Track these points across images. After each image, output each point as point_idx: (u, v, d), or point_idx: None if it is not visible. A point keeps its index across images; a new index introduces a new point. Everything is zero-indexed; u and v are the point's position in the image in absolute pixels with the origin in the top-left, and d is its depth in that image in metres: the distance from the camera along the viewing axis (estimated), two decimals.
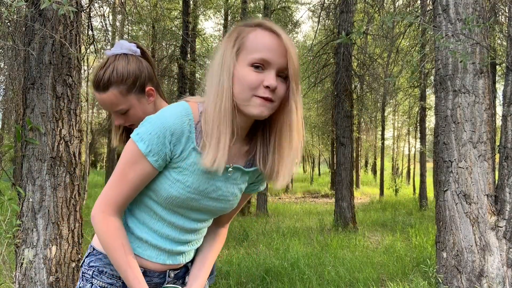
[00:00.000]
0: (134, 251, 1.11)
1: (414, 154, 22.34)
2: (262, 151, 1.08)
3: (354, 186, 11.02)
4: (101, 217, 1.03)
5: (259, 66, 0.96)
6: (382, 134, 18.06)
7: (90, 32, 3.51)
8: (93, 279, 1.12)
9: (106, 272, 1.12)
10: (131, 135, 1.02)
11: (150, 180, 1.04)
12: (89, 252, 1.17)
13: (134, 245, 1.11)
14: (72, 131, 2.91)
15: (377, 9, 9.05)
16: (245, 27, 1.01)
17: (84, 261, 1.17)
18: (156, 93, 1.53)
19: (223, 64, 0.98)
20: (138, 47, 1.48)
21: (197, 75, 15.34)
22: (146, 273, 1.12)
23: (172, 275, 1.18)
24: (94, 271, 1.13)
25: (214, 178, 1.06)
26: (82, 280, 1.15)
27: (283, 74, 0.99)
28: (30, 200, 2.79)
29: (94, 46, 3.64)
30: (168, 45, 15.00)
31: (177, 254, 1.16)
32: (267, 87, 0.96)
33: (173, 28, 13.50)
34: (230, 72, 0.97)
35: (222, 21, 15.39)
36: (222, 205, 1.12)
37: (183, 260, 1.18)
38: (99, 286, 1.12)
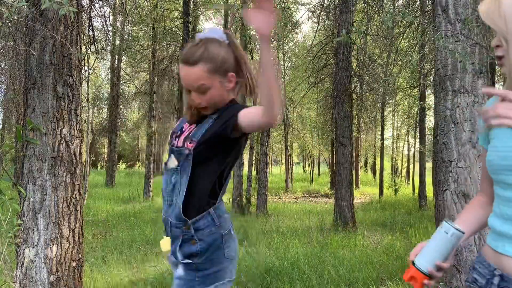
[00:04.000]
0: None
1: (414, 154, 22.36)
2: None
3: (354, 186, 11.04)
4: None
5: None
6: (382, 134, 18.07)
7: (90, 33, 3.52)
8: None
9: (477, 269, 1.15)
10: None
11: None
12: None
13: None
14: (72, 131, 2.92)
15: (376, 9, 9.06)
16: None
17: None
18: (234, 85, 1.58)
19: None
20: (228, 37, 1.57)
21: None
22: (503, 277, 1.08)
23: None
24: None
25: None
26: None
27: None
28: (31, 199, 2.80)
29: (95, 46, 3.65)
30: (168, 45, 15.00)
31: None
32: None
33: (173, 29, 13.51)
34: None
35: (222, 22, 15.39)
36: None
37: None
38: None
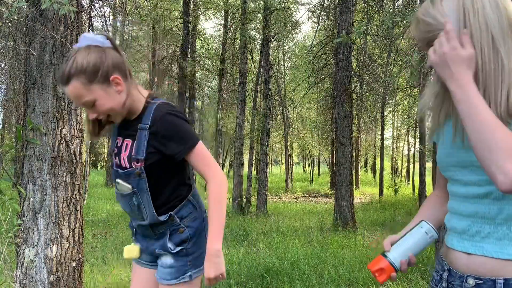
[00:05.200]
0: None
1: (414, 154, 22.37)
2: None
3: (354, 185, 11.04)
4: None
5: None
6: (382, 134, 18.09)
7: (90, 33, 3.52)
8: None
9: None
10: None
11: None
12: None
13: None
14: (72, 131, 2.92)
15: (376, 9, 9.06)
16: None
17: None
18: (130, 83, 1.50)
19: None
20: (107, 38, 1.47)
21: (197, 75, 15.34)
22: (450, 271, 1.06)
23: (471, 282, 1.00)
24: None
25: None
26: None
27: None
28: (31, 199, 2.80)
29: None
30: (168, 46, 15.02)
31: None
32: None
33: (173, 29, 13.52)
34: None
35: (222, 22, 15.41)
36: None
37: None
38: None
